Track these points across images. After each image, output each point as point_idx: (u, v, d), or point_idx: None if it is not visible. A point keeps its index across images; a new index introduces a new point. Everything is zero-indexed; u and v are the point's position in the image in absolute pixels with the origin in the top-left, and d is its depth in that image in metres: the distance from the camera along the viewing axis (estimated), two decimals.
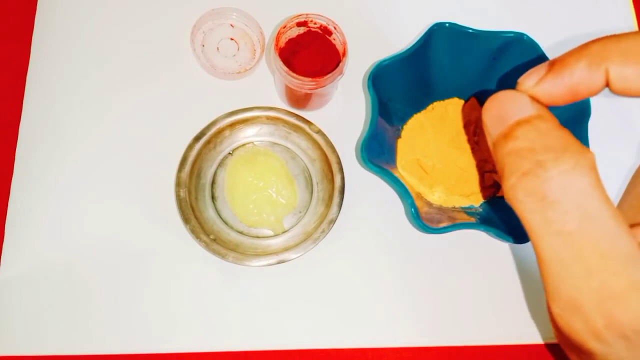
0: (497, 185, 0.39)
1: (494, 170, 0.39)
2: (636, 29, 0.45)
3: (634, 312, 0.20)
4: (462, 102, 0.41)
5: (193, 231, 0.36)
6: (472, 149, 0.40)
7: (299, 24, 0.36)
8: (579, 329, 0.22)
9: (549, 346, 0.38)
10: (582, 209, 0.20)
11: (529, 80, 0.23)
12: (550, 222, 0.21)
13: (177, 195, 0.37)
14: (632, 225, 0.27)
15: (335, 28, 0.36)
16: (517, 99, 0.23)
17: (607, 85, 0.22)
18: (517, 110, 0.23)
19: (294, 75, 0.35)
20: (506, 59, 0.38)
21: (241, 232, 0.38)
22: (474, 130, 0.40)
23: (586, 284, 0.21)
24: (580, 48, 0.22)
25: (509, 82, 0.39)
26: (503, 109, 0.23)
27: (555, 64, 0.23)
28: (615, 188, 0.41)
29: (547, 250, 0.21)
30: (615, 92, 0.22)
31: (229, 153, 0.40)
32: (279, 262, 0.36)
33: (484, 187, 0.39)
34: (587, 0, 0.46)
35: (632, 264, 0.20)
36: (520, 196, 0.21)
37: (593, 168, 0.21)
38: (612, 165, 0.40)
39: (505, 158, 0.22)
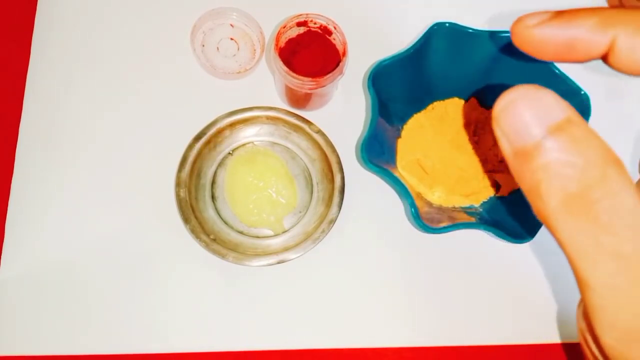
0: (497, 185, 0.39)
1: (494, 170, 0.39)
2: None
3: None
4: (462, 102, 0.41)
5: (193, 231, 0.36)
6: (472, 148, 0.40)
7: (299, 24, 0.36)
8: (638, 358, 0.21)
9: (548, 346, 0.38)
10: (634, 228, 0.19)
11: (531, 20, 0.21)
12: (605, 246, 0.19)
13: (177, 195, 0.37)
14: None
15: (335, 28, 0.36)
16: (540, 98, 0.19)
17: (608, 55, 0.20)
18: (543, 114, 0.19)
19: (294, 75, 0.35)
20: (506, 59, 0.38)
21: (241, 232, 0.38)
22: (474, 130, 0.40)
23: None
24: (596, 8, 0.20)
25: (509, 82, 0.39)
26: (525, 115, 0.19)
27: (564, 13, 0.21)
28: None
29: (600, 277, 0.19)
30: (615, 64, 0.20)
31: (229, 153, 0.40)
32: (279, 262, 0.36)
33: (484, 187, 0.39)
34: (588, 1, 0.46)
35: None
36: (569, 220, 0.19)
37: (631, 181, 0.19)
38: None
39: (539, 175, 0.19)
